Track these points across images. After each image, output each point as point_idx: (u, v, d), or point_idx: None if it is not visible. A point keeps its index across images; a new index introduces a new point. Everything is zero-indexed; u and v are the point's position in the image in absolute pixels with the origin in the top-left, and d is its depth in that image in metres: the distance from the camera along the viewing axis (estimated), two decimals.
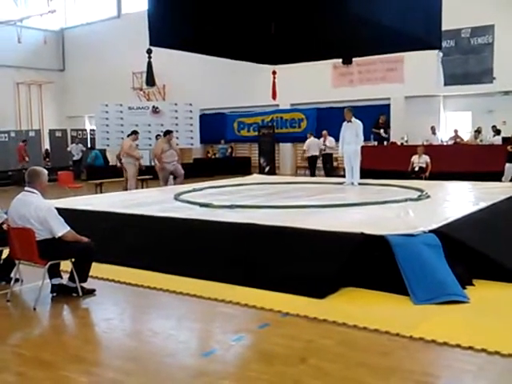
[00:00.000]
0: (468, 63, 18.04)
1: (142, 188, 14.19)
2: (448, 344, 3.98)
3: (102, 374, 3.72)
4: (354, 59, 10.03)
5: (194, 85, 23.24)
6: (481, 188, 9.58)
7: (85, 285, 5.48)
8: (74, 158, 22.91)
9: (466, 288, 5.17)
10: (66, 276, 5.53)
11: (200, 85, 23.20)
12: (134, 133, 14.18)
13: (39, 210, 5.21)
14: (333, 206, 7.54)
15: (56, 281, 5.47)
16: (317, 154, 18.53)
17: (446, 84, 9.41)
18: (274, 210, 7.41)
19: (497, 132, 16.36)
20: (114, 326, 4.71)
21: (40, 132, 24.46)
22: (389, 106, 19.61)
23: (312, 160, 18.65)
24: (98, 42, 26.36)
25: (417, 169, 13.56)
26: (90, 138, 25.18)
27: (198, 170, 19.82)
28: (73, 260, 5.37)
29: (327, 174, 17.37)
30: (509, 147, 13.22)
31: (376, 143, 17.36)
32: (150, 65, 8.01)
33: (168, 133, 13.27)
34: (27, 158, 20.57)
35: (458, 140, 17.40)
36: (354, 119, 10.68)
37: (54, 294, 5.44)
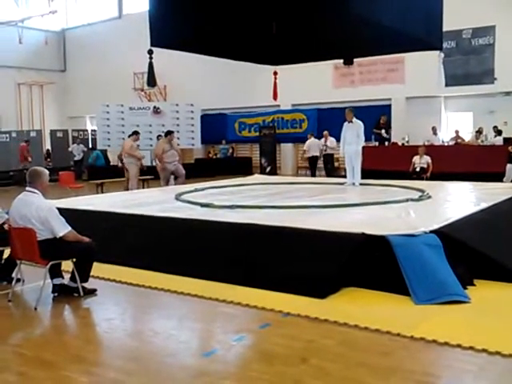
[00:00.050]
0: (469, 64, 18.04)
1: (144, 188, 14.20)
2: (449, 344, 3.98)
3: (102, 374, 3.73)
4: (355, 60, 10.04)
5: (195, 85, 23.26)
6: (482, 188, 9.57)
7: (86, 285, 5.49)
8: (75, 159, 22.92)
9: (466, 288, 5.17)
10: (67, 276, 5.53)
11: (201, 85, 23.21)
12: (135, 133, 14.19)
13: (40, 210, 5.21)
14: (334, 207, 7.54)
15: (57, 281, 5.47)
16: (317, 154, 18.54)
17: (447, 85, 9.42)
18: (275, 210, 7.41)
19: (498, 133, 16.36)
20: (115, 326, 4.72)
21: (41, 132, 24.47)
22: (390, 106, 19.62)
23: (312, 160, 18.66)
24: (99, 42, 26.39)
25: (418, 169, 13.55)
26: (91, 139, 25.19)
27: (199, 170, 19.83)
28: (74, 260, 5.37)
29: (328, 175, 17.37)
30: (510, 148, 13.22)
31: (377, 144, 17.37)
32: (151, 65, 8.02)
33: (169, 133, 13.29)
34: (30, 159, 20.56)
35: (459, 140, 17.39)
36: (354, 120, 10.68)
37: (56, 294, 5.44)
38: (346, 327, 4.43)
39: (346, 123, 10.80)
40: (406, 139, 17.59)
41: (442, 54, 8.76)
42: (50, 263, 5.18)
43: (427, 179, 12.81)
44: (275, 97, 10.42)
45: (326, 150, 18.13)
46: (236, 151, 24.00)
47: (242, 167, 21.30)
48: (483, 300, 4.96)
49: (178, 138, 18.55)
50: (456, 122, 19.04)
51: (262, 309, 4.91)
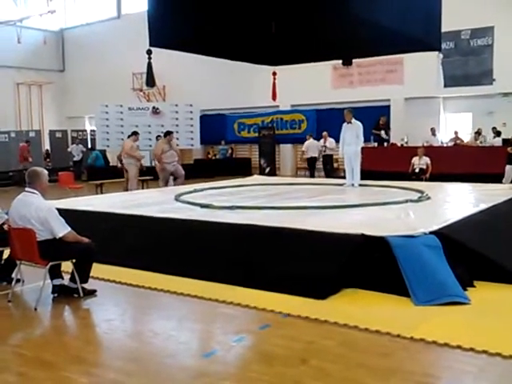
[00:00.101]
0: (468, 65, 18.06)
1: (143, 189, 14.19)
2: (449, 345, 3.98)
3: (102, 374, 3.73)
4: (353, 60, 10.05)
5: (194, 85, 23.25)
6: (481, 190, 9.58)
7: (86, 285, 5.49)
8: (75, 159, 22.90)
9: (466, 289, 5.17)
10: (66, 277, 5.53)
11: (200, 86, 23.21)
12: (135, 133, 14.19)
13: (40, 211, 5.21)
14: (333, 207, 7.55)
15: (57, 281, 5.48)
16: (316, 155, 18.54)
17: (445, 85, 9.44)
18: (275, 210, 7.41)
19: (497, 134, 16.37)
20: (114, 326, 4.72)
21: (40, 133, 24.46)
22: (389, 107, 19.62)
23: (311, 161, 18.65)
24: (97, 42, 26.38)
25: (417, 170, 13.55)
26: (91, 139, 25.18)
27: (198, 170, 19.83)
28: (74, 261, 5.37)
29: (327, 175, 17.37)
30: (509, 149, 13.22)
31: (376, 144, 17.37)
32: (149, 65, 8.03)
33: (168, 133, 13.29)
34: (30, 159, 20.53)
35: (458, 141, 17.40)
36: (354, 120, 10.68)
37: (55, 295, 5.45)
38: (346, 328, 4.43)
39: (345, 124, 10.81)
40: (405, 140, 17.60)
41: (441, 55, 8.79)
42: (50, 264, 5.18)
43: (426, 180, 12.81)
44: (274, 97, 10.43)
45: (325, 151, 18.13)
46: (235, 152, 24.00)
47: (241, 168, 21.29)
48: (483, 301, 4.96)
49: (177, 139, 18.52)
50: (455, 123, 19.05)
51: (261, 310, 4.91)
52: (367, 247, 5.42)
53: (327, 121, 19.48)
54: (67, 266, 5.50)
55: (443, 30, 8.27)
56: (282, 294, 5.23)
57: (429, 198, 8.29)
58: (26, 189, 5.41)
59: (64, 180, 14.97)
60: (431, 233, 5.55)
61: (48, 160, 24.09)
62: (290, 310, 4.83)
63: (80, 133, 25.31)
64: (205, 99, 23.05)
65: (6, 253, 5.92)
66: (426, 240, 5.41)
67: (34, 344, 4.40)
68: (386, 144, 17.49)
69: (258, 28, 8.06)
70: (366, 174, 11.26)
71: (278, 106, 20.98)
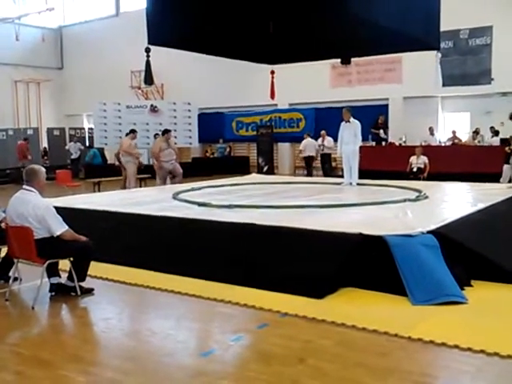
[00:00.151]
0: (466, 64, 18.06)
1: (141, 187, 14.18)
2: (446, 345, 3.99)
3: (100, 373, 3.72)
4: (352, 59, 10.05)
5: (192, 84, 23.22)
6: (479, 189, 9.59)
7: (83, 284, 5.48)
8: (72, 157, 22.86)
9: (464, 289, 5.18)
10: (64, 275, 5.52)
11: (198, 84, 23.18)
12: (133, 131, 14.19)
13: (37, 209, 5.20)
14: (331, 207, 7.55)
15: (54, 280, 5.47)
16: (313, 154, 18.53)
17: (444, 85, 9.44)
18: (273, 209, 7.41)
19: (495, 133, 16.38)
20: (112, 325, 4.71)
21: (38, 130, 24.41)
22: (387, 106, 19.63)
23: (308, 160, 18.64)
24: (96, 40, 26.33)
25: (415, 169, 13.56)
26: (88, 137, 25.15)
27: (196, 169, 19.79)
28: (71, 259, 5.37)
29: (326, 174, 17.37)
30: (507, 148, 13.23)
31: (374, 143, 17.38)
32: (148, 63, 8.02)
33: (166, 132, 13.28)
34: (30, 157, 20.49)
35: (456, 141, 17.41)
36: (352, 119, 10.68)
37: (53, 293, 5.44)
38: (343, 327, 4.43)
39: (343, 123, 10.80)
40: (403, 139, 17.61)
41: (440, 54, 8.78)
42: (47, 262, 5.18)
43: (424, 179, 12.83)
44: (272, 96, 10.42)
45: (323, 150, 18.12)
46: (233, 150, 23.99)
47: (239, 166, 21.27)
48: (480, 301, 4.96)
49: (176, 137, 18.53)
50: (453, 123, 19.05)
51: (259, 309, 4.91)
52: (365, 246, 5.42)
53: (325, 120, 19.47)
54: (65, 265, 5.50)
55: (442, 29, 8.26)
56: (280, 294, 5.23)
57: (426, 198, 8.30)
58: (24, 187, 5.40)
59: (61, 178, 14.95)
60: (429, 232, 5.56)
61: (46, 158, 24.07)
62: (287, 309, 4.83)
63: (78, 131, 25.28)
64: (203, 97, 23.02)
65: (4, 251, 5.91)
66: (424, 239, 5.42)
67: (31, 343, 4.39)
68: (384, 143, 17.50)
69: (257, 27, 8.05)
70: (363, 173, 11.27)
71: (276, 105, 20.96)
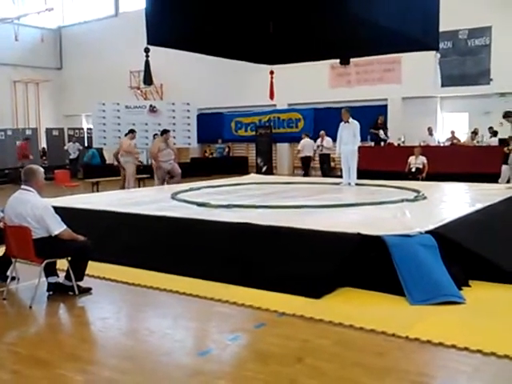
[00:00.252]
0: (465, 64, 18.08)
1: (140, 187, 14.18)
2: (443, 344, 3.99)
3: (97, 372, 3.72)
4: (351, 60, 10.05)
5: (191, 84, 23.22)
6: (477, 189, 9.60)
7: (81, 283, 5.48)
8: (71, 157, 22.87)
9: (461, 289, 5.18)
10: (62, 274, 5.52)
11: (197, 84, 23.18)
12: (132, 131, 14.19)
13: (36, 209, 5.20)
14: (330, 207, 7.55)
15: (52, 279, 5.47)
16: (311, 154, 18.52)
17: (443, 85, 9.48)
18: (271, 209, 7.41)
19: (493, 133, 16.38)
20: (109, 324, 4.71)
21: (37, 131, 24.40)
22: (386, 106, 19.63)
23: (306, 160, 18.62)
24: (95, 40, 26.33)
25: (413, 170, 13.56)
26: (87, 137, 25.15)
27: (195, 169, 19.79)
28: (69, 258, 5.37)
29: (324, 175, 17.37)
30: (505, 149, 13.23)
31: (373, 144, 17.38)
32: (147, 64, 8.02)
33: (165, 132, 13.28)
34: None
35: (455, 141, 17.41)
36: (351, 120, 10.69)
37: (50, 293, 5.44)
38: (341, 327, 4.43)
39: (342, 123, 10.81)
40: (402, 139, 17.61)
41: (439, 55, 8.83)
42: (45, 261, 5.18)
43: (423, 180, 12.83)
44: (271, 96, 10.42)
45: (322, 150, 18.10)
46: (232, 150, 23.99)
47: (238, 166, 21.28)
48: (478, 301, 4.97)
49: (174, 137, 18.54)
50: (452, 123, 19.07)
51: (257, 308, 4.91)
52: (363, 246, 5.42)
53: (324, 120, 19.47)
54: (62, 264, 5.50)
55: (441, 29, 8.27)
56: (278, 293, 5.23)
57: (425, 198, 8.30)
58: (22, 186, 5.40)
59: (60, 178, 14.95)
60: (427, 232, 5.56)
61: (44, 158, 24.06)
62: (285, 308, 4.83)
63: (77, 131, 25.29)
64: (202, 98, 23.02)
65: (2, 250, 5.91)
66: (422, 239, 5.42)
67: (28, 342, 4.39)
68: (383, 143, 17.50)
69: (256, 27, 8.05)
70: (362, 174, 11.27)
71: (275, 105, 20.96)
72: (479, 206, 7.37)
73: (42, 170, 5.56)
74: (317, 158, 18.80)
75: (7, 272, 5.72)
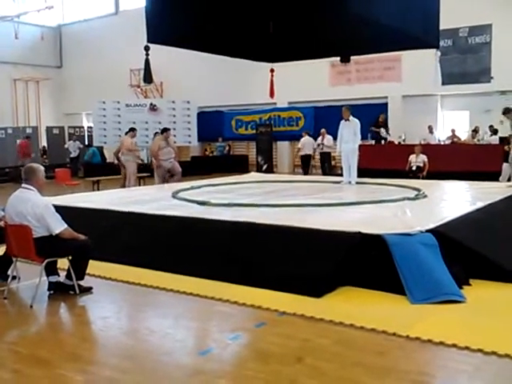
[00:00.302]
0: (466, 62, 18.06)
1: (140, 185, 14.18)
2: (444, 344, 3.98)
3: (98, 372, 3.72)
4: (351, 58, 10.04)
5: (191, 82, 23.21)
6: (478, 188, 9.59)
7: (82, 283, 5.48)
8: (72, 156, 22.88)
9: (462, 288, 5.18)
10: (62, 274, 5.52)
11: (198, 82, 23.17)
12: (132, 130, 14.19)
13: (36, 207, 5.20)
14: (330, 205, 7.55)
15: (53, 278, 5.47)
16: (310, 153, 18.51)
17: (443, 83, 9.43)
18: (272, 208, 7.41)
19: (494, 132, 16.38)
20: (110, 324, 4.71)
21: (37, 129, 24.41)
22: (386, 104, 19.62)
23: (305, 159, 18.60)
24: (95, 38, 26.31)
25: (414, 168, 13.55)
26: (88, 135, 25.15)
27: (195, 167, 19.81)
28: (70, 258, 5.36)
29: (325, 173, 17.35)
30: (506, 147, 13.22)
31: (373, 142, 17.37)
32: (147, 62, 8.01)
33: (165, 130, 13.26)
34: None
35: (456, 139, 17.41)
36: (351, 118, 10.68)
37: (51, 292, 5.44)
38: (341, 326, 4.43)
39: (342, 121, 10.80)
40: (403, 138, 17.60)
41: (439, 53, 8.78)
42: (46, 261, 5.17)
43: (423, 178, 12.82)
44: (272, 94, 10.42)
45: (322, 149, 18.07)
46: (232, 149, 23.99)
47: (238, 165, 21.30)
48: (479, 300, 4.96)
49: (175, 136, 18.53)
50: (452, 121, 19.06)
51: (257, 308, 4.91)
52: (364, 245, 5.42)
53: (325, 118, 19.46)
54: (63, 263, 5.50)
55: (441, 27, 8.27)
56: (278, 292, 5.23)
57: (425, 196, 8.30)
58: (23, 185, 5.40)
59: (61, 176, 14.96)
60: (428, 231, 5.56)
61: (45, 156, 24.06)
62: (285, 308, 4.83)
63: (77, 129, 25.29)
64: (202, 96, 23.01)
65: (2, 249, 5.91)
66: (423, 238, 5.42)
67: (29, 341, 4.39)
68: (383, 142, 17.49)
69: (256, 25, 8.04)
70: (363, 172, 11.26)
71: (275, 104, 20.95)
72: (480, 204, 7.37)
73: (42, 168, 5.55)
74: (317, 157, 18.79)
75: (8, 271, 5.72)
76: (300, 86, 20.49)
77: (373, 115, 17.51)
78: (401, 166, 13.70)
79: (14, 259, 5.54)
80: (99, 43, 26.11)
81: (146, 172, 15.41)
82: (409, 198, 8.01)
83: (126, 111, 22.63)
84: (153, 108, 22.69)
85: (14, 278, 5.71)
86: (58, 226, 5.23)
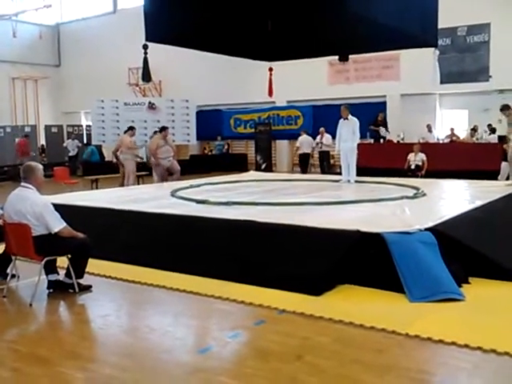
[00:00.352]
0: (464, 61, 18.07)
1: (139, 184, 14.17)
2: (443, 342, 3.99)
3: (98, 370, 3.72)
4: (350, 56, 10.04)
5: (190, 81, 23.20)
6: (477, 186, 9.60)
7: (81, 281, 5.48)
8: (70, 154, 22.87)
9: (461, 286, 5.19)
10: (62, 272, 5.52)
11: (196, 81, 23.16)
12: (131, 128, 14.18)
13: (35, 206, 5.20)
14: (329, 204, 7.55)
15: (52, 277, 5.47)
16: (309, 151, 18.51)
17: (442, 82, 9.45)
18: (271, 206, 7.41)
19: (492, 131, 16.39)
20: (110, 322, 4.71)
21: (36, 128, 24.38)
22: (385, 103, 19.62)
23: (304, 157, 18.60)
24: (93, 37, 26.28)
25: (413, 167, 13.56)
26: (86, 134, 25.13)
27: (194, 166, 19.80)
28: (69, 256, 5.36)
29: (324, 172, 17.36)
30: (505, 145, 13.24)
31: (372, 141, 17.37)
32: (145, 60, 8.01)
33: (163, 129, 13.25)
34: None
35: (454, 138, 17.43)
36: (350, 117, 10.68)
37: (51, 290, 5.45)
38: (340, 324, 4.44)
39: (341, 120, 10.80)
40: (401, 136, 17.61)
41: (437, 52, 8.79)
42: (45, 259, 5.18)
43: (422, 177, 12.83)
44: (270, 93, 10.43)
45: (321, 147, 18.07)
46: (231, 147, 23.99)
47: (237, 164, 21.28)
48: (478, 298, 4.97)
49: (174, 134, 18.52)
50: (451, 120, 19.07)
51: (257, 306, 4.92)
52: (363, 243, 5.42)
53: (323, 117, 19.44)
54: (63, 262, 5.50)
55: (440, 26, 8.28)
56: (278, 290, 5.23)
57: (424, 195, 8.31)
58: (22, 184, 5.39)
59: (59, 175, 14.94)
60: (427, 229, 5.56)
61: (43, 155, 24.04)
62: (285, 306, 4.83)
63: (76, 128, 25.27)
64: (201, 95, 23.00)
65: (1, 248, 5.90)
66: (422, 236, 5.42)
67: (28, 339, 4.39)
68: (382, 140, 17.50)
69: (255, 24, 8.04)
70: (361, 171, 11.27)
71: (274, 102, 20.93)
72: (479, 203, 7.38)
73: (40, 167, 5.55)
74: (316, 155, 18.79)
75: (7, 270, 5.72)
76: (299, 84, 20.48)
77: (371, 114, 17.52)
78: (400, 165, 13.70)
79: (13, 258, 5.54)
80: (97, 42, 26.08)
81: (145, 170, 15.40)
82: (408, 197, 8.01)
83: (125, 110, 22.61)
84: (151, 107, 22.67)
85: (13, 276, 5.70)
86: (57, 225, 5.23)
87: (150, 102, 22.88)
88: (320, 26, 8.11)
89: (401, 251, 5.20)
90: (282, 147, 22.66)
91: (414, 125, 18.16)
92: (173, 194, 8.98)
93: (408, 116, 18.94)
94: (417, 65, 15.82)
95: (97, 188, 14.24)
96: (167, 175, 13.17)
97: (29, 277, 5.66)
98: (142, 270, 6.10)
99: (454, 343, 3.95)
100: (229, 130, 23.76)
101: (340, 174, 11.50)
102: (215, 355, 3.94)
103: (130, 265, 6.31)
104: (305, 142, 18.48)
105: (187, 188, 9.97)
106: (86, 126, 25.78)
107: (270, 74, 10.31)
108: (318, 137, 18.17)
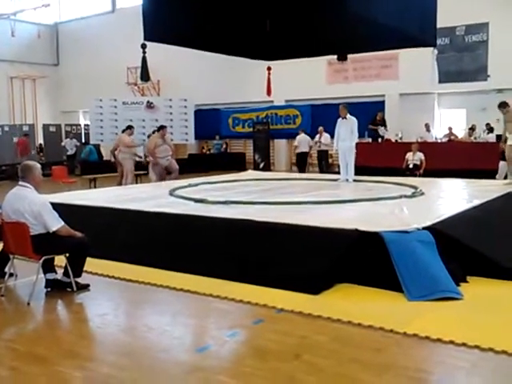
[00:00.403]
0: (462, 61, 18.09)
1: (137, 183, 14.16)
2: (442, 340, 4.00)
3: (96, 369, 3.72)
4: (348, 56, 10.04)
5: (188, 80, 23.18)
6: (475, 185, 9.61)
7: (79, 280, 5.48)
8: (68, 153, 22.85)
9: (459, 285, 5.19)
10: (60, 271, 5.52)
11: (195, 80, 23.15)
12: (130, 127, 14.17)
13: (33, 205, 5.19)
14: (327, 203, 7.55)
15: (50, 276, 5.47)
16: (306, 150, 18.50)
17: (440, 81, 9.46)
18: (269, 206, 7.41)
19: (490, 130, 16.40)
20: (108, 321, 4.71)
21: (34, 127, 24.35)
22: (383, 102, 19.63)
23: (301, 156, 18.59)
24: (92, 36, 26.26)
25: (411, 166, 13.57)
26: (84, 133, 25.10)
27: (192, 165, 19.80)
28: (67, 255, 5.36)
29: (322, 171, 17.36)
30: (501, 144, 13.24)
31: (370, 140, 17.37)
32: (144, 60, 8.00)
33: (161, 128, 13.24)
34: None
35: (453, 137, 17.42)
36: (348, 116, 10.68)
37: (49, 289, 5.44)
38: (339, 323, 4.44)
39: (339, 119, 10.80)
40: (400, 136, 17.61)
41: (436, 51, 8.79)
42: (43, 258, 5.17)
43: (420, 176, 12.84)
44: (269, 92, 10.42)
45: (320, 147, 18.06)
46: (230, 147, 23.98)
47: (235, 163, 21.27)
48: (476, 297, 4.98)
49: (172, 134, 18.50)
50: (449, 119, 19.08)
51: (255, 305, 4.92)
52: (361, 242, 5.42)
53: (322, 116, 19.45)
54: (60, 261, 5.49)
55: (438, 25, 8.27)
56: (276, 289, 5.23)
57: (422, 194, 8.31)
58: (20, 183, 5.39)
59: (57, 174, 14.93)
60: (425, 228, 5.57)
61: (41, 154, 24.02)
62: (283, 305, 4.83)
63: (74, 127, 25.24)
64: (199, 94, 22.99)
65: None
66: (420, 235, 5.43)
67: (26, 338, 4.39)
68: (380, 140, 17.50)
69: (253, 24, 8.03)
70: (360, 170, 11.27)
71: (272, 101, 20.93)
72: (477, 202, 7.39)
73: (38, 165, 5.55)
74: (315, 155, 18.78)
75: (5, 268, 5.71)
76: (297, 83, 20.48)
77: (370, 113, 17.52)
78: (398, 164, 13.71)
79: (11, 256, 5.53)
80: (96, 41, 26.05)
81: (143, 170, 15.38)
82: (406, 196, 8.02)
83: (123, 109, 22.59)
84: (150, 106, 22.65)
85: (11, 275, 5.71)
86: (55, 224, 5.22)
87: (148, 102, 22.86)
88: (319, 25, 8.11)
89: (399, 250, 5.21)
90: (280, 146, 22.66)
91: (413, 124, 18.17)
92: (171, 193, 8.97)
93: (406, 115, 18.95)
94: (415, 64, 15.84)
95: (95, 187, 14.22)
96: (165, 174, 13.16)
97: (27, 276, 5.65)
98: (140, 269, 6.10)
99: (451, 342, 3.96)
100: (227, 130, 23.75)
101: (338, 173, 11.51)
102: (213, 354, 3.94)
103: (128, 264, 6.31)
104: (302, 141, 18.47)
105: (185, 187, 9.96)
106: (85, 125, 25.75)
107: (269, 74, 10.30)
108: (317, 136, 18.15)
